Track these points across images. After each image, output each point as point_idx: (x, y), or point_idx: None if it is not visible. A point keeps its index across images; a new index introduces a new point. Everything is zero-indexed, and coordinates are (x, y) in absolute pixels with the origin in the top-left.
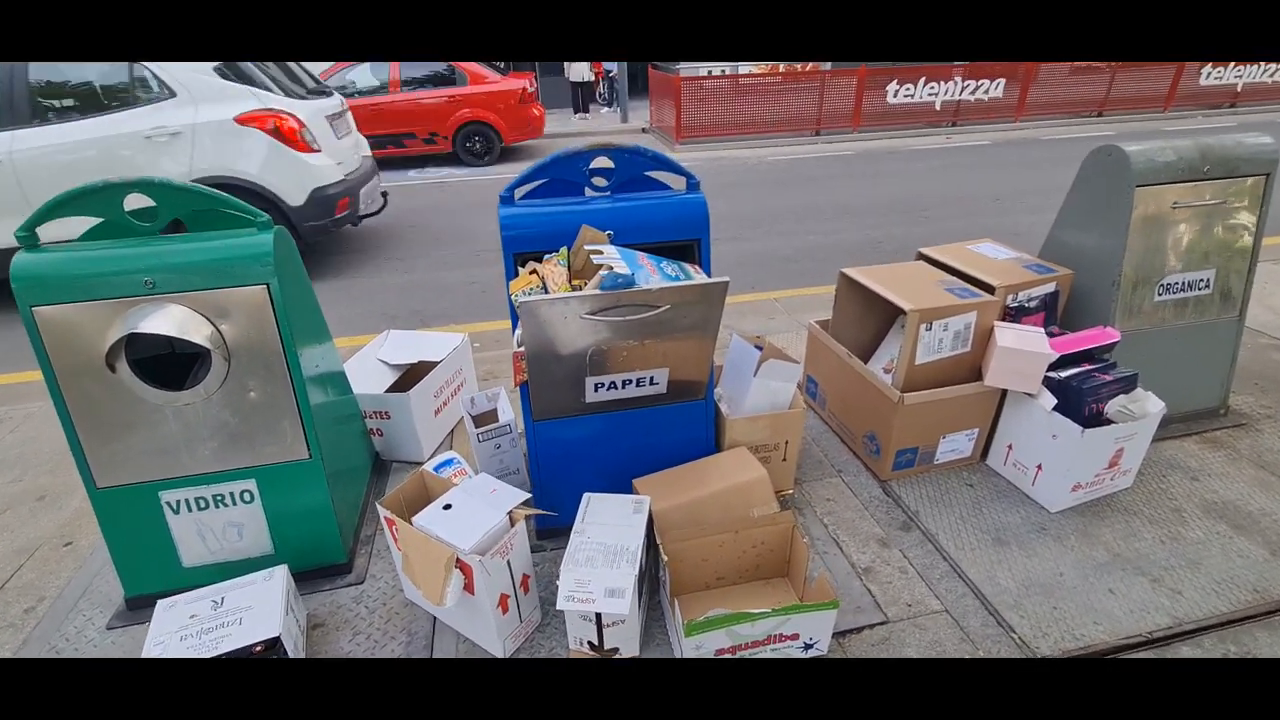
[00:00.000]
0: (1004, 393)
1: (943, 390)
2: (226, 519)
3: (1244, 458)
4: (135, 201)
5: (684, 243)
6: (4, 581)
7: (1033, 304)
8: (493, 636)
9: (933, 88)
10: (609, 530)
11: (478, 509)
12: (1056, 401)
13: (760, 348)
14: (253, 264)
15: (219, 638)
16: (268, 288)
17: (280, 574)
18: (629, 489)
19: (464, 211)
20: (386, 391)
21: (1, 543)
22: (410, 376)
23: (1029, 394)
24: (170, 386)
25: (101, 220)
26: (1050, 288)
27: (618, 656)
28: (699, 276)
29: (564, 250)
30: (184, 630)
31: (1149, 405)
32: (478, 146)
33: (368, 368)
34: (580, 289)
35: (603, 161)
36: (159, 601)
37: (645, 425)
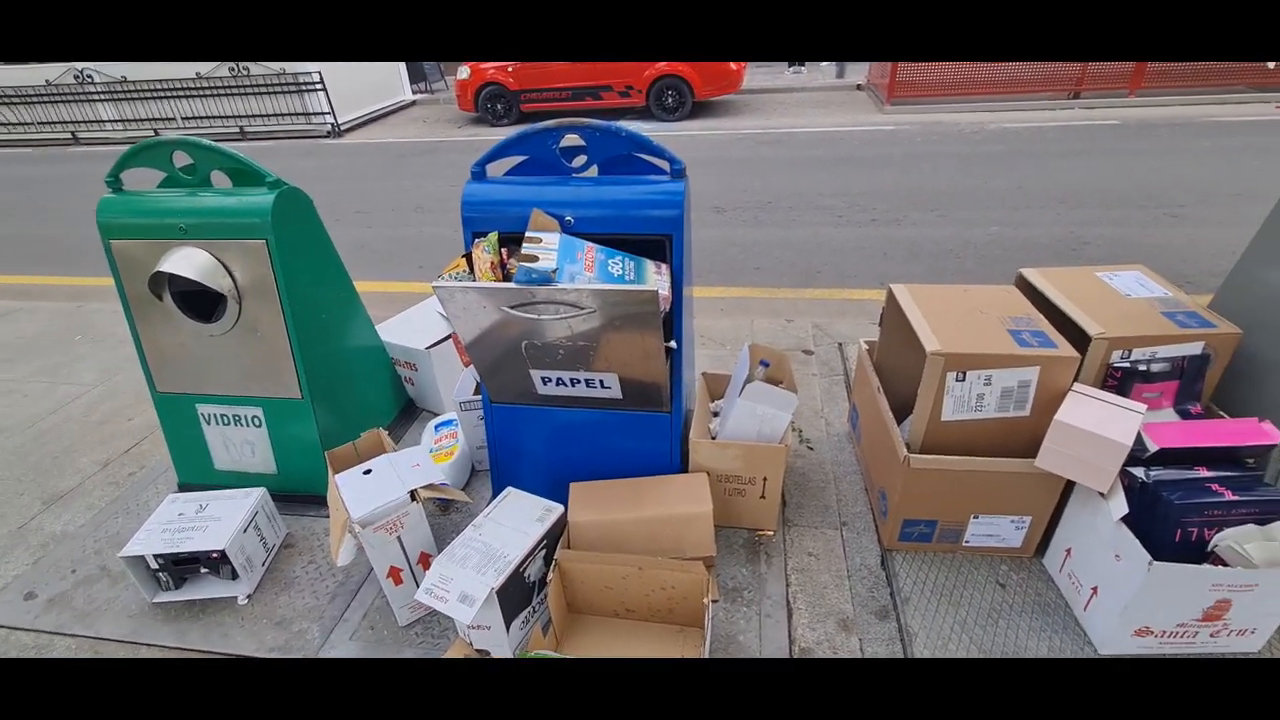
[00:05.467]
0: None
1: (971, 460)
2: (243, 437)
3: None
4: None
5: (654, 237)
6: (130, 447)
7: (1158, 368)
8: (392, 602)
9: None
10: (502, 532)
11: (389, 480)
12: (1128, 511)
13: (766, 363)
14: (252, 218)
15: (185, 538)
16: (266, 242)
17: (256, 495)
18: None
19: None
20: (429, 347)
21: (144, 416)
22: None
23: (1099, 492)
24: (203, 319)
25: (167, 175)
26: (1193, 349)
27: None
28: (655, 279)
29: (492, 236)
30: (167, 526)
31: None
32: (669, 101)
33: (426, 319)
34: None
35: (575, 140)
36: (170, 495)
37: (602, 428)
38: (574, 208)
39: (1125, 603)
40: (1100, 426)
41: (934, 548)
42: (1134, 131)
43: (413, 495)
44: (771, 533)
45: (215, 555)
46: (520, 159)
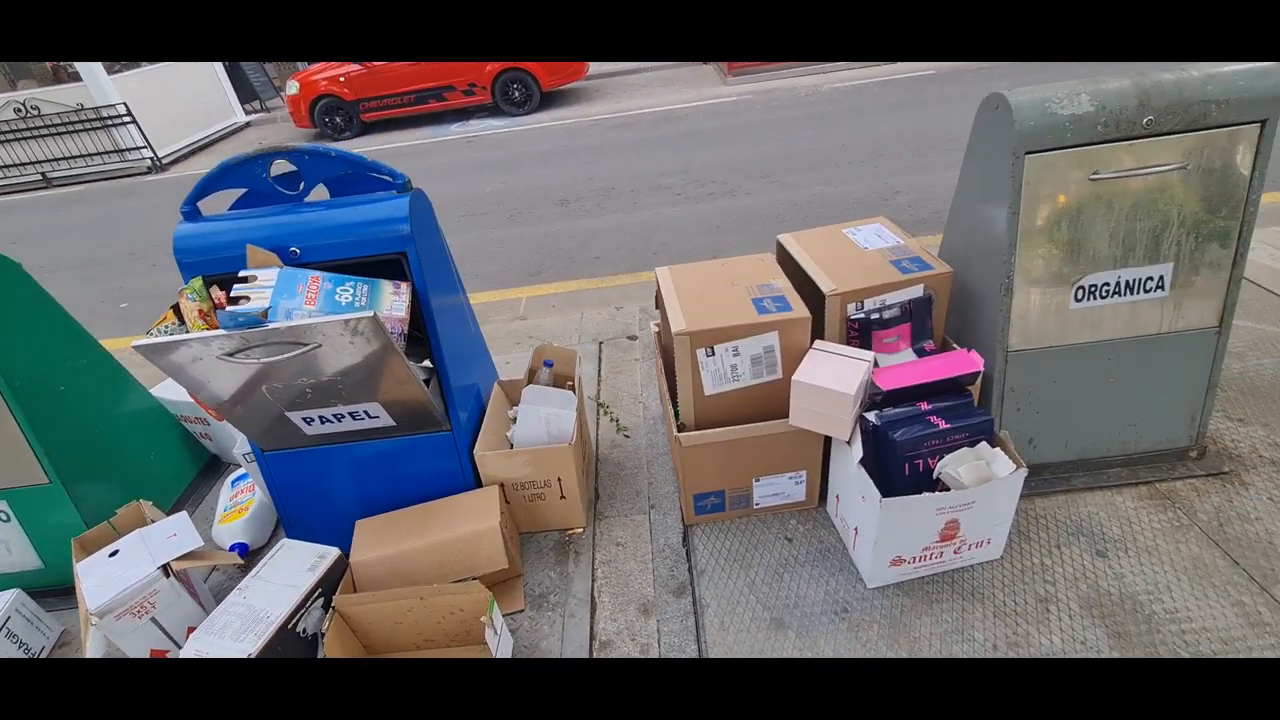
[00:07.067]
0: None
1: (735, 429)
2: None
3: (1197, 524)
4: None
5: (390, 256)
6: None
7: (890, 314)
8: None
9: None
10: (269, 589)
11: (137, 559)
12: (863, 454)
13: (550, 363)
14: None
15: None
16: None
17: (6, 599)
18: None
19: (468, 173)
20: None
21: None
22: None
23: (845, 440)
24: None
25: None
26: (915, 292)
27: None
28: (391, 299)
29: (195, 281)
30: None
31: (997, 466)
32: (517, 95)
33: None
34: None
35: (285, 166)
36: None
37: (386, 458)
38: (299, 238)
39: (874, 538)
40: (828, 380)
41: (729, 515)
42: (945, 79)
43: (167, 570)
44: (581, 529)
45: None
46: (241, 191)
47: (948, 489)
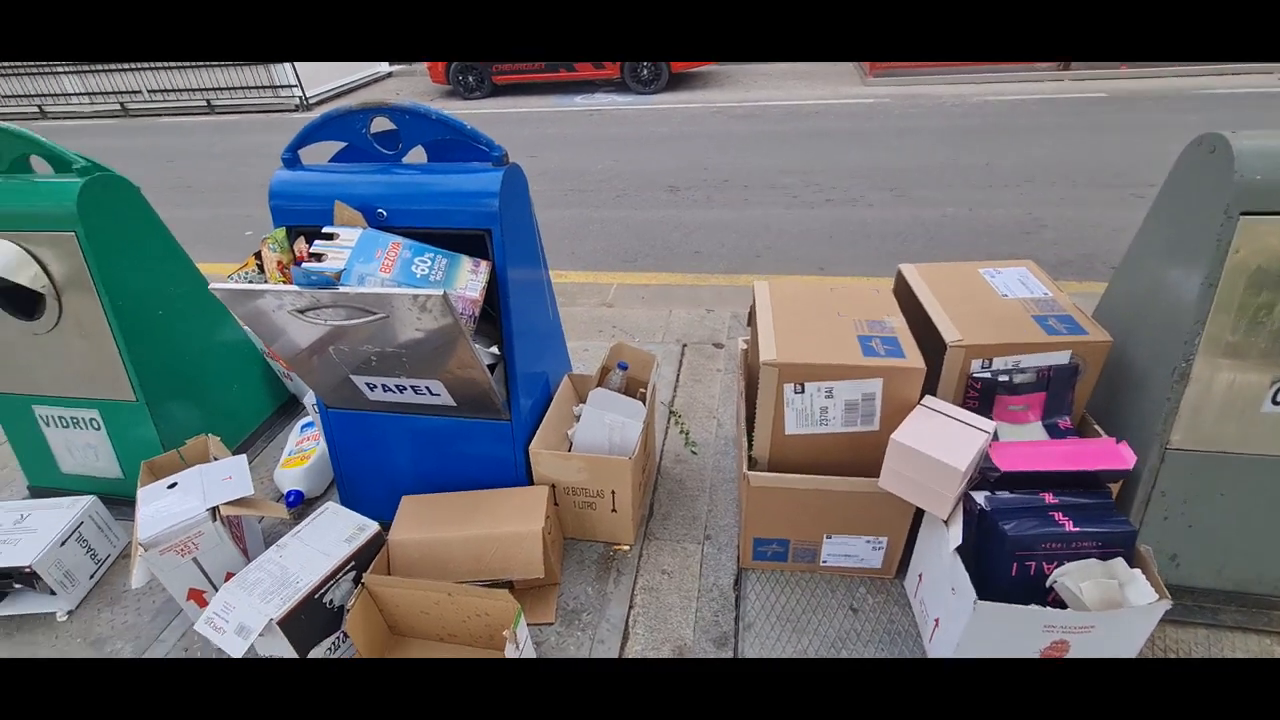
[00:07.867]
0: None
1: (814, 479)
2: (85, 440)
3: None
4: None
5: (474, 231)
6: None
7: (1022, 379)
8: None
9: None
10: (305, 553)
11: (191, 496)
12: (961, 541)
13: (624, 365)
14: (55, 209)
15: None
16: (75, 234)
17: (82, 505)
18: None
19: (583, 146)
20: None
21: None
22: None
23: (942, 518)
24: (26, 316)
25: None
26: (1059, 358)
27: None
28: (469, 279)
29: (279, 232)
30: None
31: (1131, 591)
32: (645, 73)
33: None
34: None
35: (384, 124)
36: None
37: (441, 436)
38: (387, 200)
39: (958, 639)
40: (936, 448)
41: (790, 567)
42: (1120, 105)
43: (215, 513)
44: (627, 547)
45: (27, 571)
46: (342, 145)
47: (1063, 603)
